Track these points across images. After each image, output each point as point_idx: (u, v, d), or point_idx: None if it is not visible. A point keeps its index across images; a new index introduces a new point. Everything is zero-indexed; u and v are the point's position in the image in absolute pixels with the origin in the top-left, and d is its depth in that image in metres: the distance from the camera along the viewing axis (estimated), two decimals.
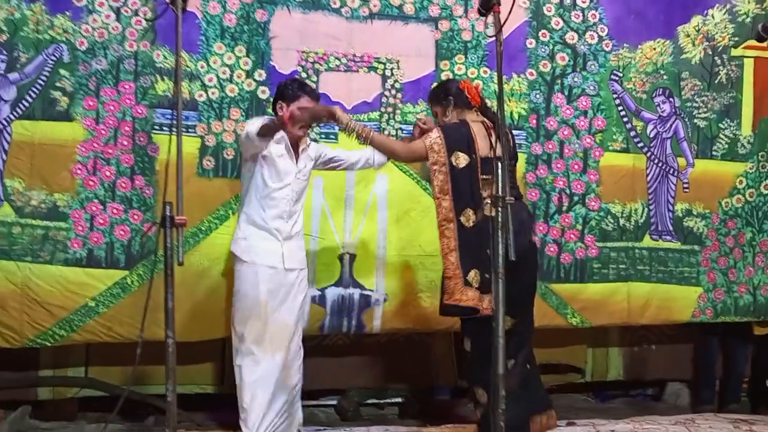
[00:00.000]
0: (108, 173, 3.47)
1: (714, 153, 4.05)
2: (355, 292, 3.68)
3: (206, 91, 3.59)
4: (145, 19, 3.49)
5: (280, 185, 3.09)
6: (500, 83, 2.42)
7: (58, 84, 3.42)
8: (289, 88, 3.15)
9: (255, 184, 3.09)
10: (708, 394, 4.20)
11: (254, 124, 2.95)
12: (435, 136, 3.05)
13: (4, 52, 3.38)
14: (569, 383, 4.37)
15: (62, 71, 3.43)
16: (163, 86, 3.54)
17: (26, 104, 3.39)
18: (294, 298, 3.14)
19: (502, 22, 2.45)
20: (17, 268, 3.33)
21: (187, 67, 3.54)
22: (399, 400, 4.12)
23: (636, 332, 4.33)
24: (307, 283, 3.28)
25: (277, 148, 3.10)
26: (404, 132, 3.76)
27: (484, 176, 3.04)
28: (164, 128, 3.51)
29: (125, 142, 3.50)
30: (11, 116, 3.38)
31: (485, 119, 3.17)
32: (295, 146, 3.15)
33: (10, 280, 3.33)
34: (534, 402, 3.13)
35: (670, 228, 4.00)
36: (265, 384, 3.04)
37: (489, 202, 2.76)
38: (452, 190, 3.01)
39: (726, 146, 4.06)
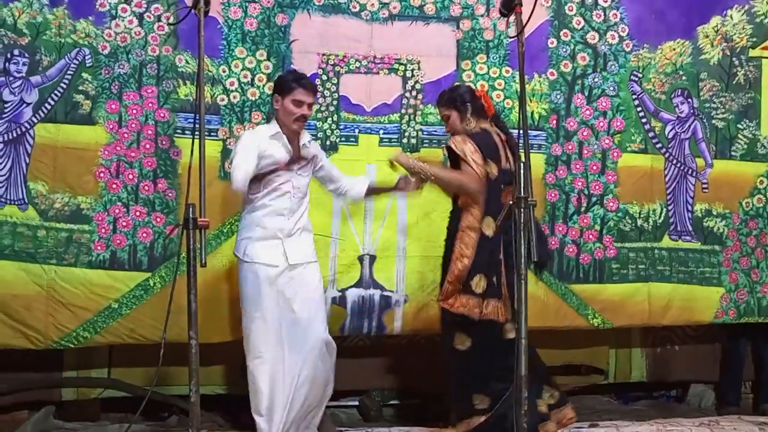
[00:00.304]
0: (131, 176, 3.50)
1: (733, 153, 4.04)
2: (376, 293, 3.69)
3: (228, 95, 3.61)
4: (168, 24, 3.51)
5: (279, 183, 3.05)
6: (522, 84, 2.43)
7: (80, 87, 3.45)
8: (284, 81, 3.12)
9: (253, 183, 3.04)
10: (734, 397, 4.16)
11: (238, 173, 2.89)
12: (471, 148, 3.07)
13: (26, 55, 3.40)
14: (592, 384, 4.35)
15: (85, 75, 3.46)
16: (186, 90, 3.57)
17: (48, 107, 3.42)
18: (304, 292, 3.09)
19: (524, 22, 2.45)
20: (43, 270, 3.36)
21: (209, 71, 3.57)
22: (419, 401, 4.12)
23: (659, 333, 4.30)
24: (320, 276, 3.22)
25: (273, 145, 3.06)
26: (424, 132, 3.78)
27: (502, 185, 3.09)
28: (186, 132, 3.52)
29: (148, 146, 3.52)
30: (34, 119, 3.41)
31: (498, 130, 3.19)
32: (293, 141, 3.12)
33: (36, 283, 3.36)
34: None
35: (690, 228, 3.99)
36: (278, 384, 3.02)
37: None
38: (483, 200, 3.05)
39: (745, 147, 4.05)
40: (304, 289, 3.11)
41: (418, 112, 3.77)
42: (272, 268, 3.04)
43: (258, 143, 3.02)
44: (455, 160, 3.18)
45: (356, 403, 4.08)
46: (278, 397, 3.03)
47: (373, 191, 3.44)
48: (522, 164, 2.46)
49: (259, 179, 3.03)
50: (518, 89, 3.72)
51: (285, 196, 3.07)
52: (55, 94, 3.43)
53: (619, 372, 4.34)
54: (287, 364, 3.05)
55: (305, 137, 3.22)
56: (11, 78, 3.39)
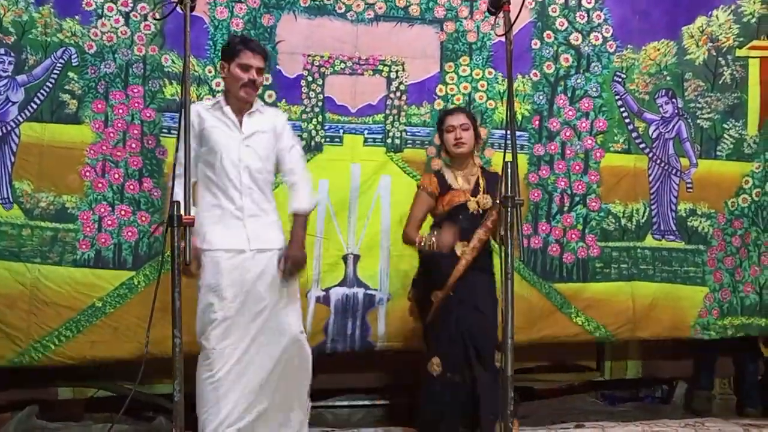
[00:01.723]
0: (116, 175, 3.51)
1: (719, 153, 4.03)
2: (359, 292, 3.70)
3: (214, 95, 3.59)
4: (154, 19, 3.52)
5: (218, 159, 2.82)
6: (510, 81, 2.42)
7: (66, 87, 3.47)
8: (230, 45, 2.91)
9: (199, 164, 2.83)
10: (705, 381, 4.18)
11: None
12: None
13: (12, 53, 3.42)
14: (587, 381, 4.37)
15: (71, 74, 3.47)
16: (172, 90, 3.58)
17: (34, 106, 3.43)
18: (268, 281, 2.85)
19: (512, 20, 2.45)
20: (26, 269, 3.37)
21: (195, 71, 3.58)
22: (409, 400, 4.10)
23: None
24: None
25: (210, 117, 2.82)
26: (408, 133, 3.80)
27: None
28: (173, 132, 3.53)
29: (134, 145, 3.54)
30: (19, 118, 3.42)
31: None
32: (241, 112, 2.90)
33: (19, 282, 3.36)
34: None
35: (674, 228, 3.99)
36: (225, 384, 2.77)
37: None
38: None
39: (731, 146, 4.04)
40: (274, 278, 2.86)
41: (402, 113, 3.79)
42: (233, 255, 2.80)
43: (193, 126, 2.69)
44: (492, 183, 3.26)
45: (344, 402, 4.07)
46: (227, 401, 2.78)
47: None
48: (509, 164, 2.45)
49: (206, 153, 2.85)
50: (500, 90, 3.80)
51: (231, 173, 2.82)
52: (41, 93, 3.44)
53: (614, 369, 4.36)
54: (241, 361, 2.79)
55: (257, 105, 2.95)
56: None
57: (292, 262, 2.91)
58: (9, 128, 3.41)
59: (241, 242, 2.84)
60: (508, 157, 2.43)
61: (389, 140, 3.78)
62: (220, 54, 3.06)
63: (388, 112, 3.79)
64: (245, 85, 2.85)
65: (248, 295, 2.85)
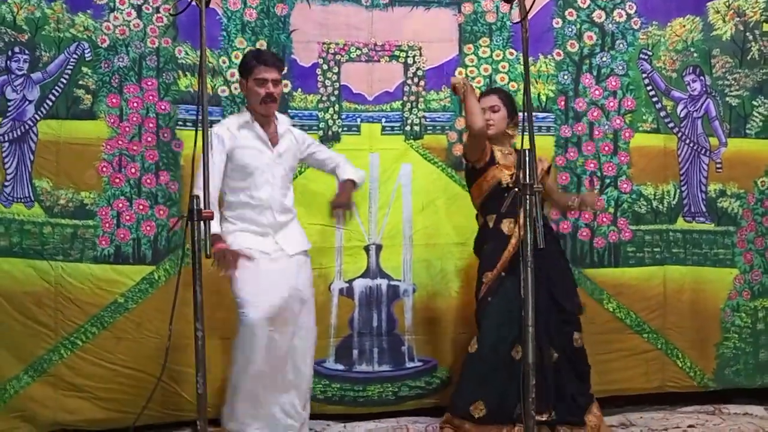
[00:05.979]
0: (133, 170, 3.49)
1: (748, 131, 3.92)
2: (383, 283, 3.64)
3: (229, 87, 3.58)
4: (169, 15, 3.49)
5: (252, 178, 2.92)
6: (526, 69, 2.37)
7: (80, 82, 3.44)
8: (245, 61, 2.99)
9: (229, 184, 2.91)
10: None
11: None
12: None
13: (27, 51, 3.40)
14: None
15: (84, 69, 3.45)
16: (186, 82, 3.54)
17: (50, 103, 3.42)
18: (303, 280, 3.03)
19: (527, 6, 2.39)
20: (50, 267, 3.37)
21: (210, 62, 3.54)
22: None
23: None
24: (309, 265, 3.14)
25: (242, 137, 2.87)
26: (427, 119, 3.72)
27: None
28: (188, 124, 3.50)
29: (149, 139, 3.51)
30: (36, 116, 3.41)
31: None
32: (267, 127, 2.99)
33: (44, 279, 3.36)
34: None
35: (704, 209, 3.89)
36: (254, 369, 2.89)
37: None
38: None
39: (761, 124, 3.91)
40: (306, 278, 3.04)
41: (421, 99, 3.71)
42: (266, 256, 2.92)
43: (224, 143, 2.88)
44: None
45: None
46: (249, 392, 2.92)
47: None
48: (527, 150, 2.39)
49: (237, 171, 2.94)
50: (522, 72, 3.69)
51: (268, 186, 2.95)
52: (56, 90, 3.42)
53: None
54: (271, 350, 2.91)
55: (283, 123, 3.09)
56: (13, 76, 3.39)
57: (343, 199, 3.15)
58: (27, 127, 3.40)
59: (273, 248, 2.97)
60: (526, 144, 2.36)
61: (408, 127, 3.71)
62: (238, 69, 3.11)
63: (405, 98, 3.71)
64: (264, 99, 2.93)
65: (291, 290, 2.96)
